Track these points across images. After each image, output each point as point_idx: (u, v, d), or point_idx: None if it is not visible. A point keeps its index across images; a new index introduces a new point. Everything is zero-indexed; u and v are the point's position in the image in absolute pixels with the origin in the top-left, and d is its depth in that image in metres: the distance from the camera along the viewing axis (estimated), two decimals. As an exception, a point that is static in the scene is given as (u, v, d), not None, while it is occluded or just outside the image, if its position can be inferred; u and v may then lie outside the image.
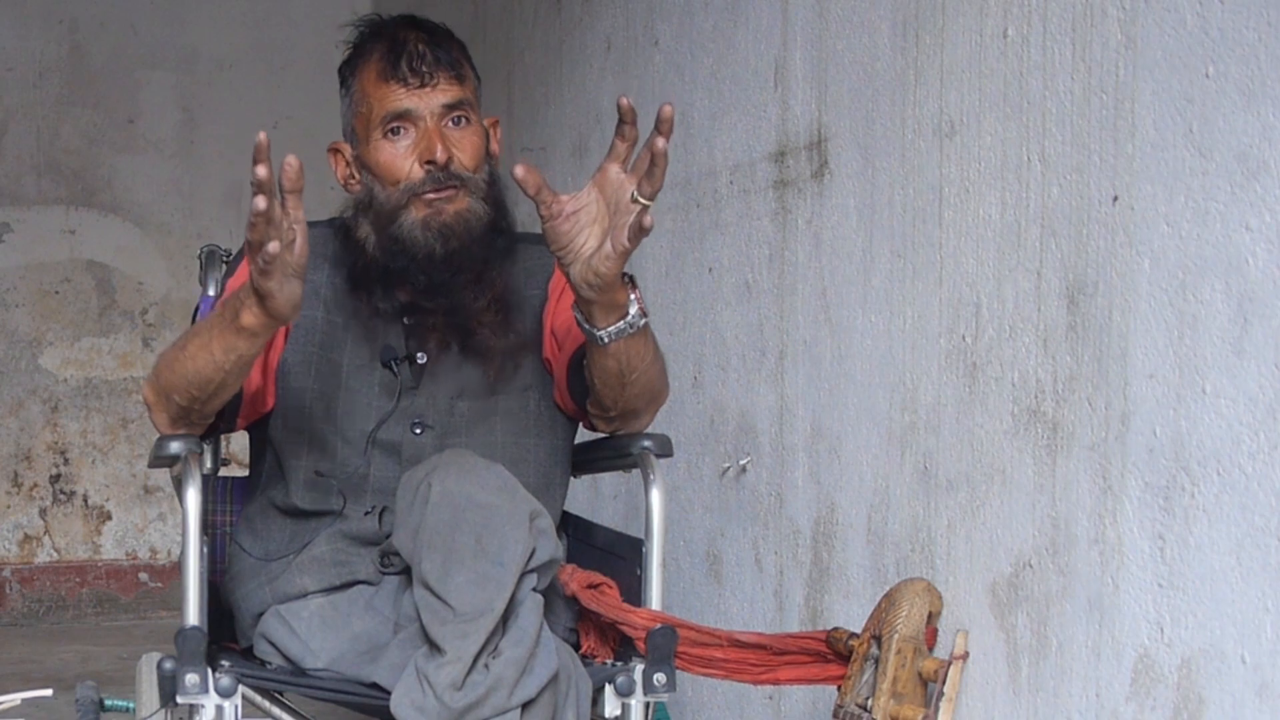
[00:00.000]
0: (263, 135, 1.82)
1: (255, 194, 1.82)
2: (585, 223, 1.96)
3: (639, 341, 2.08)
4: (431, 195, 2.17)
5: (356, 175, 2.25)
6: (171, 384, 2.05)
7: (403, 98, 2.19)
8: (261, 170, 1.81)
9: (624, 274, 2.02)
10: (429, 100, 2.19)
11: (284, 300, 1.90)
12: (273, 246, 1.83)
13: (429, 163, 2.17)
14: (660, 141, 1.89)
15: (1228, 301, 1.72)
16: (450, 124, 2.21)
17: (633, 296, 2.03)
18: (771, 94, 2.75)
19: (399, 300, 2.22)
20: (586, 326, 2.05)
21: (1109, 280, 1.90)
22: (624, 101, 1.91)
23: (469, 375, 2.25)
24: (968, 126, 2.17)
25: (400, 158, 2.19)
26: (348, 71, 2.26)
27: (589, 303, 2.02)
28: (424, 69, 2.19)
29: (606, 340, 2.04)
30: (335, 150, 2.29)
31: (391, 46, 2.21)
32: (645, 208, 1.93)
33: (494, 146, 2.28)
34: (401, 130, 2.19)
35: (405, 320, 2.23)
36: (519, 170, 1.91)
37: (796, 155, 2.67)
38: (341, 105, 2.29)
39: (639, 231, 1.92)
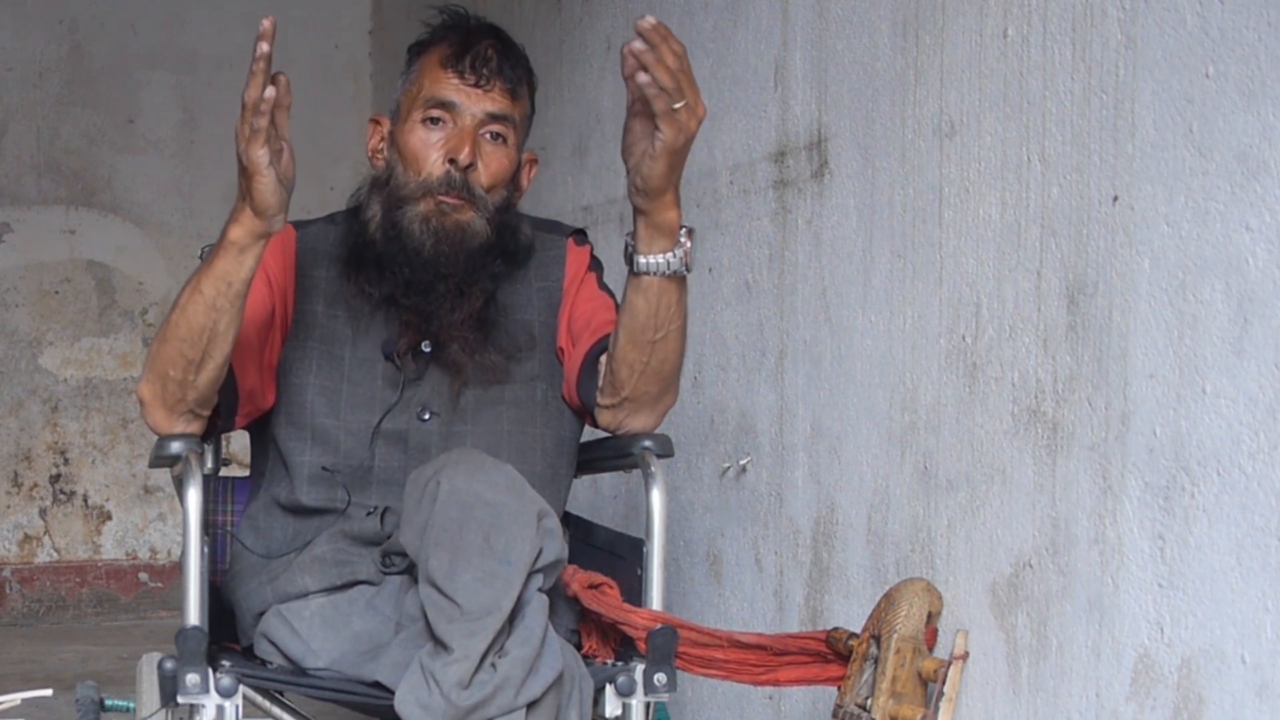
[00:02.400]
0: (271, 18, 1.86)
1: (258, 42, 1.84)
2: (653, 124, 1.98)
3: (673, 293, 2.11)
4: (442, 198, 2.19)
5: (385, 152, 2.27)
6: (166, 357, 2.05)
7: (454, 90, 2.22)
8: (267, 22, 1.84)
9: (685, 225, 2.07)
10: (477, 103, 2.22)
11: (269, 186, 1.93)
12: (269, 92, 1.86)
13: (451, 161, 2.19)
14: (634, 44, 1.92)
15: (1228, 301, 1.72)
16: (488, 136, 2.22)
17: (683, 238, 2.08)
18: (771, 94, 2.75)
19: (384, 289, 2.24)
20: (630, 248, 2.09)
21: (1109, 280, 1.90)
22: (625, 49, 1.94)
23: (473, 366, 2.25)
24: (968, 126, 2.17)
25: (429, 147, 2.21)
26: (416, 50, 2.30)
27: (637, 214, 2.06)
28: (485, 70, 2.22)
29: (642, 267, 2.08)
30: (376, 121, 2.33)
31: (465, 40, 2.25)
32: (666, 100, 1.94)
33: (524, 181, 2.31)
34: (440, 121, 2.22)
35: (387, 316, 2.25)
36: (628, 47, 1.93)
37: (796, 155, 2.67)
38: (398, 80, 2.31)
39: (670, 124, 1.95)
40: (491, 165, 2.22)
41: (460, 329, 2.22)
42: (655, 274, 2.09)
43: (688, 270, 2.10)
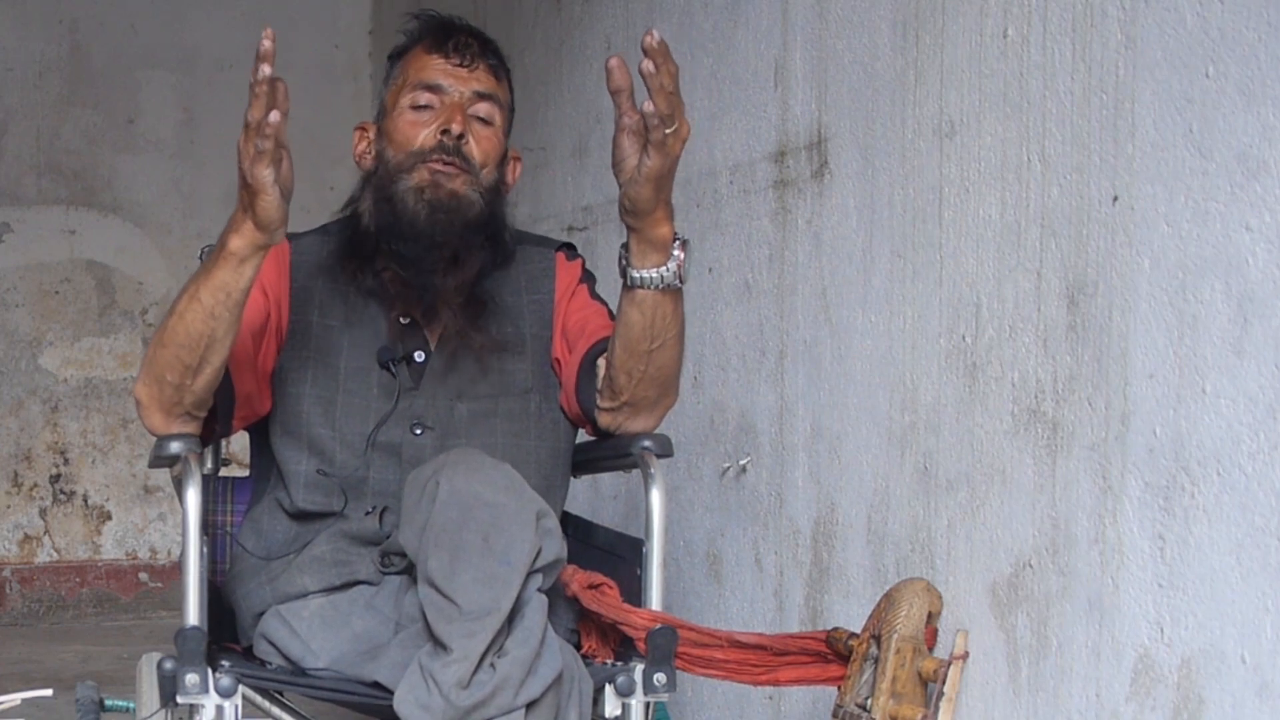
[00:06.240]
0: (269, 30, 1.86)
1: (260, 64, 1.84)
2: (642, 146, 2.00)
3: (669, 304, 2.11)
4: (436, 165, 2.19)
5: (373, 151, 2.28)
6: (163, 361, 2.05)
7: (440, 72, 2.24)
8: (268, 42, 1.84)
9: (678, 235, 2.08)
10: (463, 82, 2.24)
11: (273, 204, 1.93)
12: (274, 116, 1.86)
13: (444, 131, 2.20)
14: (645, 63, 1.92)
15: (1228, 301, 1.72)
16: (477, 117, 2.25)
17: (676, 252, 2.08)
18: (771, 94, 2.75)
19: (381, 277, 2.25)
20: (624, 261, 2.10)
21: (1109, 280, 1.90)
22: (611, 63, 1.97)
23: (468, 376, 2.25)
24: (968, 126, 2.17)
25: (419, 126, 2.23)
26: (396, 55, 2.31)
27: (629, 231, 2.07)
28: (468, 52, 2.25)
29: (635, 281, 2.09)
30: (361, 128, 2.33)
31: (446, 29, 2.28)
32: (660, 129, 1.95)
33: (510, 177, 2.31)
34: (428, 104, 2.23)
35: (391, 313, 2.25)
36: (613, 61, 1.96)
37: (796, 155, 2.67)
38: (381, 87, 2.33)
39: (659, 151, 1.97)
40: (483, 144, 2.24)
41: (453, 295, 2.22)
42: (649, 288, 2.09)
43: (681, 283, 2.10)
